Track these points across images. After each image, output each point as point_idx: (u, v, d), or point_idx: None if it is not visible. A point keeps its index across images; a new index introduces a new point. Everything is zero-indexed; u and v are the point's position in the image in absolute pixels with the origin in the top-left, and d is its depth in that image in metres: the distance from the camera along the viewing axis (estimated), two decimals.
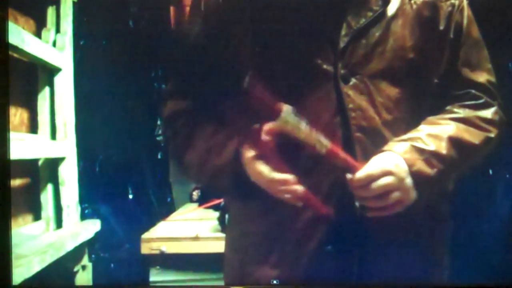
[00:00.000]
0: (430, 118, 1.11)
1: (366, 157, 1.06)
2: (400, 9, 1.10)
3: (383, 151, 1.05)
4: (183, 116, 1.18)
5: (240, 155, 1.07)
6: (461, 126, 1.10)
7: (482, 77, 1.13)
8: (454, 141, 1.07)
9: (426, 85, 1.11)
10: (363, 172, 1.02)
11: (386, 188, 1.02)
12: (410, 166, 1.02)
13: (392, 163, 1.02)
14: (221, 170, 1.10)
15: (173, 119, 1.19)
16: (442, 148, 1.06)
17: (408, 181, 1.03)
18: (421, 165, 1.03)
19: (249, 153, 1.05)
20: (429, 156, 1.05)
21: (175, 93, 1.21)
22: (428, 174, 1.04)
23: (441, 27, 1.11)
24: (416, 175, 1.03)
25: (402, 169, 1.02)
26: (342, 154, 1.04)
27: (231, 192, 1.15)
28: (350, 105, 1.07)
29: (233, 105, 1.09)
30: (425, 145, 1.05)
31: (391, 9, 1.10)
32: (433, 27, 1.11)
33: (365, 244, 1.09)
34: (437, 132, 1.08)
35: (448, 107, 1.13)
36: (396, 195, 1.02)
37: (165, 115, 1.23)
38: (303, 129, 1.03)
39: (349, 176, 1.03)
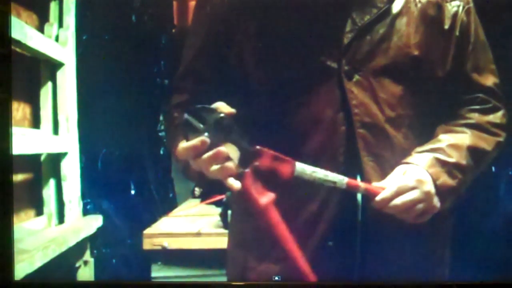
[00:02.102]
0: (445, 125, 1.14)
1: (369, 153, 1.07)
2: (405, 7, 1.10)
3: (406, 163, 1.08)
4: (179, 107, 1.19)
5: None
6: (476, 133, 1.13)
7: (489, 81, 1.15)
8: (472, 150, 1.11)
9: (429, 83, 1.11)
10: (383, 194, 1.05)
11: (411, 203, 1.04)
12: (435, 179, 1.06)
13: (413, 178, 1.05)
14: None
15: (170, 111, 1.20)
16: (462, 158, 1.10)
17: (433, 193, 1.06)
18: (445, 178, 1.07)
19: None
20: (452, 168, 1.08)
21: (177, 88, 1.21)
22: (451, 185, 1.08)
23: (446, 26, 1.11)
24: (440, 187, 1.06)
25: (425, 182, 1.05)
26: (362, 184, 1.06)
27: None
28: (354, 101, 1.07)
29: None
30: (448, 157, 1.08)
31: (396, 7, 1.10)
32: (438, 26, 1.11)
33: (366, 241, 1.09)
34: (456, 142, 1.11)
35: (460, 112, 1.15)
36: (420, 207, 1.05)
37: (166, 109, 1.23)
38: (319, 173, 1.05)
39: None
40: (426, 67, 1.10)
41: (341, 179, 1.05)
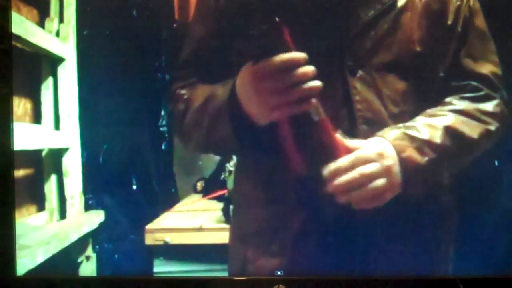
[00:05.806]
0: (429, 110, 1.12)
1: None
2: (409, 2, 1.10)
3: (374, 135, 1.06)
4: (183, 89, 1.19)
5: (234, 87, 1.05)
6: (460, 118, 1.11)
7: (485, 68, 1.14)
8: (450, 131, 1.08)
9: (432, 79, 1.11)
10: (338, 163, 1.04)
11: (369, 176, 1.03)
12: (399, 152, 1.03)
13: (374, 150, 1.03)
14: (218, 113, 1.10)
15: (174, 92, 1.20)
16: (436, 137, 1.07)
17: (395, 170, 1.04)
18: (411, 152, 1.05)
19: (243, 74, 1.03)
20: (421, 144, 1.06)
21: (178, 77, 1.21)
22: (418, 162, 1.05)
23: (449, 22, 1.11)
24: (405, 161, 1.04)
25: (387, 157, 1.03)
26: (332, 131, 1.04)
27: (234, 141, 1.11)
28: (357, 97, 1.07)
29: None
30: (418, 133, 1.07)
31: (400, 2, 1.09)
32: (441, 21, 1.11)
33: (368, 234, 1.09)
34: (433, 122, 1.09)
35: (448, 99, 1.13)
36: (378, 183, 1.02)
37: (169, 95, 1.23)
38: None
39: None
40: (429, 62, 1.10)
41: (320, 111, 1.03)
